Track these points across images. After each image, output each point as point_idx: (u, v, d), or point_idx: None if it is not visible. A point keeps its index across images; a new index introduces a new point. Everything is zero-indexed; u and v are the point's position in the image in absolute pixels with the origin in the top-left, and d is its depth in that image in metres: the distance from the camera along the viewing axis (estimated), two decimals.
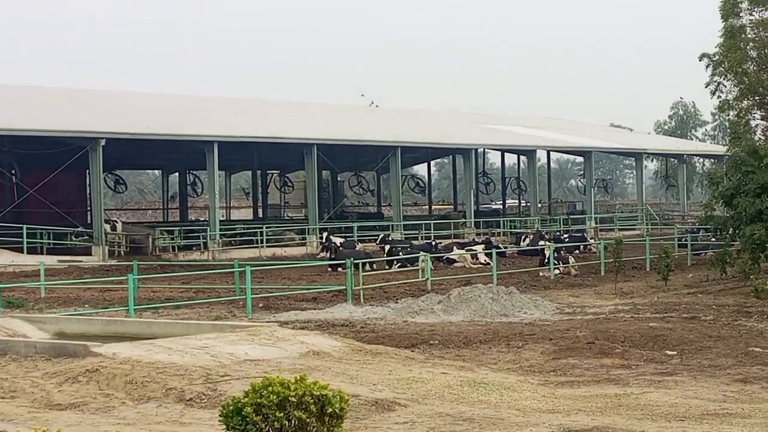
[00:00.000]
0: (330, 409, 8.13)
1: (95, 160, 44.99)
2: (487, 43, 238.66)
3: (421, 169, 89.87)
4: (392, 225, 56.40)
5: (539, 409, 13.02)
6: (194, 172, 68.37)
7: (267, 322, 22.20)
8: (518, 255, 44.28)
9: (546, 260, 35.61)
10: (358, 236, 50.96)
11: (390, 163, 57.06)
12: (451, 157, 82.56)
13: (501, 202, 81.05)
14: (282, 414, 7.96)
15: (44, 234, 45.29)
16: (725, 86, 38.71)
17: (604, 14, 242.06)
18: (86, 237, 46.00)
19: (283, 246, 49.76)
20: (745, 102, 38.58)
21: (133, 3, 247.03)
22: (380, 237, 49.46)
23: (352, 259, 30.02)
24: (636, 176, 76.80)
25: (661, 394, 14.12)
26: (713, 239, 39.38)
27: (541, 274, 35.05)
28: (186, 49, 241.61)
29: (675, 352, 18.37)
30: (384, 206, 77.96)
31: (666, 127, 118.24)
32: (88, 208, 54.24)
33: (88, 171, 50.26)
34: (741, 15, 37.70)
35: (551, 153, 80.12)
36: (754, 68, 37.89)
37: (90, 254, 44.01)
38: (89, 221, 49.09)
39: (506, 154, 78.57)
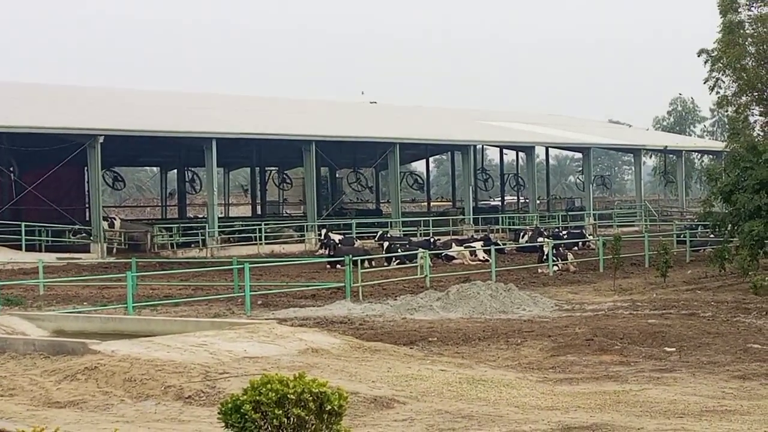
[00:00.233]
0: (329, 407, 8.13)
1: (94, 157, 44.95)
2: (487, 43, 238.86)
3: (419, 166, 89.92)
4: (391, 222, 56.39)
5: (538, 406, 13.02)
6: (193, 169, 68.36)
7: (266, 319, 22.16)
8: (517, 252, 44.27)
9: (545, 257, 35.60)
10: (356, 233, 50.94)
11: (388, 159, 57.05)
12: (449, 153, 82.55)
13: (500, 198, 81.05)
14: (281, 411, 7.95)
15: (43, 231, 45.27)
16: (724, 82, 38.78)
17: (604, 14, 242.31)
18: (84, 234, 45.99)
19: (281, 243, 49.77)
20: (744, 98, 38.62)
21: (133, 3, 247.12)
22: (379, 234, 49.51)
23: (350, 256, 30.02)
24: (634, 172, 76.82)
25: (660, 391, 14.11)
26: (712, 235, 39.39)
27: (539, 270, 35.04)
28: (186, 48, 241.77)
29: (674, 349, 18.37)
30: (382, 203, 77.98)
31: (665, 123, 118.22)
32: (87, 205, 54.30)
33: (86, 168, 50.26)
34: (740, 10, 37.74)
35: (550, 149, 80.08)
36: (753, 64, 37.92)
37: (88, 251, 44.00)
38: (88, 218, 49.07)
39: (505, 151, 78.59)
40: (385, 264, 37.15)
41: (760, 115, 39.75)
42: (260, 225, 50.73)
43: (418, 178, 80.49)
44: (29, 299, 27.81)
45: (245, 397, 8.03)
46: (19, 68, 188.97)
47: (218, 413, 8.19)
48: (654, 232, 50.96)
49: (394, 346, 17.96)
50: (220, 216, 57.43)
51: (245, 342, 16.32)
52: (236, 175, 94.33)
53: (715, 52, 38.02)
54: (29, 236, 44.03)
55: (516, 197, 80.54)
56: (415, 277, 32.15)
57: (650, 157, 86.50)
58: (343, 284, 28.13)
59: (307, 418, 8.02)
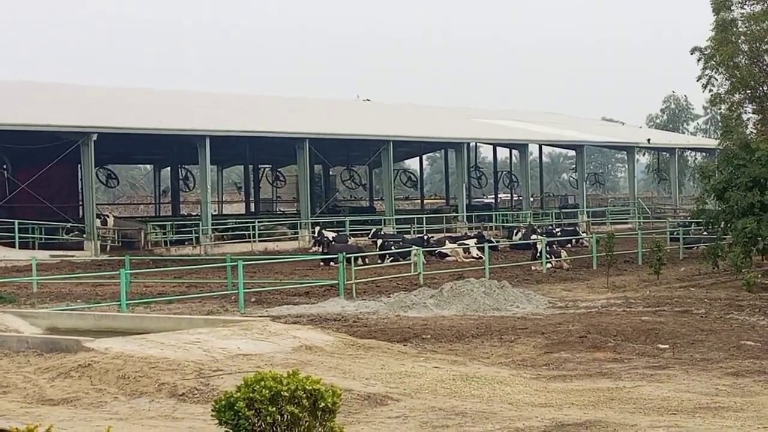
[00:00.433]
0: (322, 404, 8.13)
1: (87, 155, 44.90)
2: (487, 43, 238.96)
3: (413, 164, 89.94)
4: (384, 219, 56.42)
5: (531, 403, 13.03)
6: (186, 167, 68.34)
7: (259, 316, 22.15)
8: (510, 249, 44.29)
9: (538, 254, 35.61)
10: (350, 230, 50.96)
11: (382, 157, 57.07)
12: (443, 151, 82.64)
13: (493, 196, 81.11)
14: (274, 408, 7.96)
15: (36, 229, 45.19)
16: (717, 80, 38.83)
17: (603, 14, 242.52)
18: (78, 232, 45.94)
19: (275, 240, 49.73)
20: (737, 95, 38.68)
21: (133, 3, 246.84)
22: (372, 231, 49.54)
23: (344, 253, 30.02)
24: (628, 170, 76.91)
25: (654, 388, 14.13)
26: (705, 233, 39.42)
27: (533, 268, 35.04)
28: (186, 48, 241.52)
29: (667, 346, 18.39)
30: (376, 200, 78.02)
31: (658, 121, 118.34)
32: (80, 203, 54.24)
33: (80, 165, 50.21)
34: (732, 8, 37.79)
35: (543, 147, 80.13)
36: (746, 62, 37.97)
37: (82, 249, 43.96)
38: (81, 216, 49.01)
39: (498, 148, 78.58)
40: (379, 261, 37.15)
41: (753, 113, 39.81)
42: (254, 222, 50.72)
43: (412, 176, 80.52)
44: (23, 297, 27.78)
45: (239, 394, 8.04)
46: (19, 68, 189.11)
47: (212, 410, 8.20)
48: (647, 229, 51.03)
49: (388, 344, 17.96)
50: (213, 213, 57.37)
51: (239, 339, 16.32)
52: (230, 173, 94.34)
53: (708, 50, 38.08)
54: (23, 234, 43.99)
55: (509, 195, 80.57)
56: (409, 274, 32.15)
57: (643, 154, 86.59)
58: (336, 281, 28.12)
59: (300, 415, 8.02)
